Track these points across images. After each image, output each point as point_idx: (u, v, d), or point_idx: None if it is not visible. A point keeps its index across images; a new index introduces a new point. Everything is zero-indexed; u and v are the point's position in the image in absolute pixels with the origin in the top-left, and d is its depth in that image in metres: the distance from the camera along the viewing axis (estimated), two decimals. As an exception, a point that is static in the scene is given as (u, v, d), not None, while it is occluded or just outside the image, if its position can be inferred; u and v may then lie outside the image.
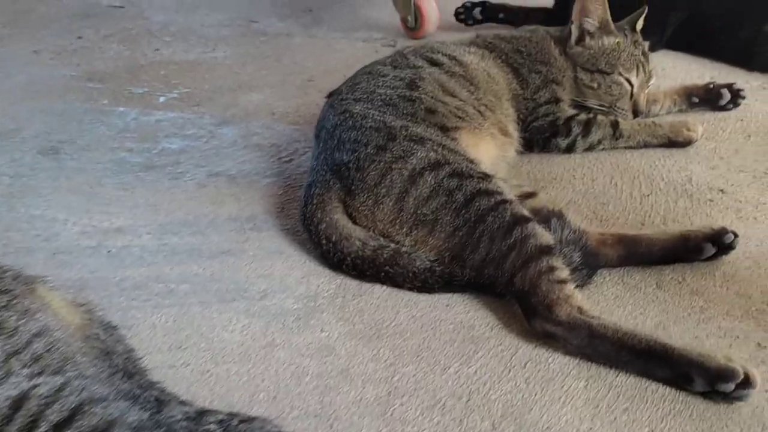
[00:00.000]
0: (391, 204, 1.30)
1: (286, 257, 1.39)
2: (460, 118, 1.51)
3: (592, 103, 1.80)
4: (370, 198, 1.31)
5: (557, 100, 1.76)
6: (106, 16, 3.09)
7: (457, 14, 2.75)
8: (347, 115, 1.44)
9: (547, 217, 1.32)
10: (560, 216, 1.33)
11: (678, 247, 1.30)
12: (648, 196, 1.56)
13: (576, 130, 1.73)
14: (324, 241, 1.32)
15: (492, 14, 2.73)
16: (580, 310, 1.12)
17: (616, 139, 1.75)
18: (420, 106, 1.47)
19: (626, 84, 1.78)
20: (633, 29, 1.86)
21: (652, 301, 1.24)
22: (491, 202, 1.25)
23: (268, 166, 1.74)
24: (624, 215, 1.50)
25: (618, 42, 1.79)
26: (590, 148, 1.75)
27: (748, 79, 2.14)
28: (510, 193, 1.31)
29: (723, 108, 1.94)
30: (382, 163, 1.32)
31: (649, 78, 1.82)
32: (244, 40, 2.72)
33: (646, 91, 1.83)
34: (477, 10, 2.73)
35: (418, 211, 1.28)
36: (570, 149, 1.74)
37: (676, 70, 2.23)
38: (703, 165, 1.68)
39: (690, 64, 2.29)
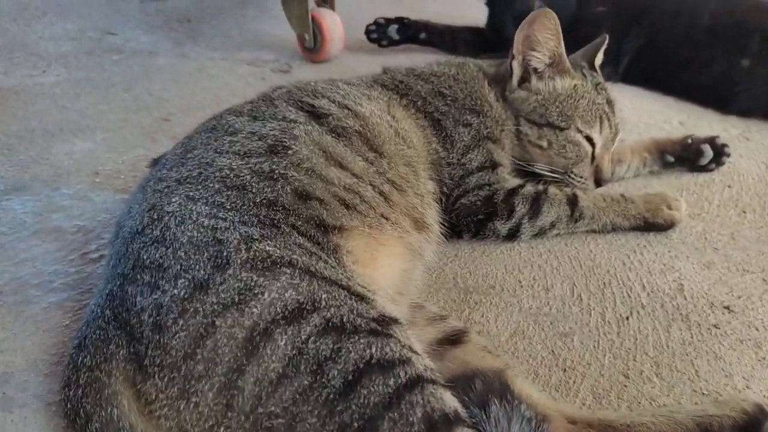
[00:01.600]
0: (211, 395, 0.72)
1: (36, 472, 0.79)
2: (349, 208, 0.96)
3: (540, 168, 1.30)
4: (175, 383, 0.73)
5: (494, 165, 1.25)
6: None
7: (368, 32, 2.22)
8: (154, 216, 0.86)
9: (484, 396, 0.80)
10: (504, 390, 0.81)
11: (694, 446, 0.80)
12: (627, 319, 1.07)
13: (521, 209, 1.22)
14: (97, 453, 0.74)
15: (411, 33, 2.21)
16: None
17: (575, 221, 1.26)
18: (285, 189, 0.91)
19: (585, 144, 1.29)
20: (592, 66, 1.38)
21: None
22: (389, 388, 0.71)
23: (61, 268, 1.13)
24: (597, 358, 0.99)
25: (575, 86, 1.29)
26: (540, 234, 1.25)
27: (725, 126, 1.72)
28: (424, 356, 0.77)
29: (704, 168, 1.51)
30: (198, 317, 0.75)
31: (615, 134, 1.34)
32: (89, 59, 2.08)
33: (611, 151, 1.35)
34: (393, 28, 2.21)
35: (260, 409, 0.72)
36: (513, 236, 1.24)
37: (636, 113, 1.78)
38: (693, 261, 1.20)
39: (653, 104, 1.85)
